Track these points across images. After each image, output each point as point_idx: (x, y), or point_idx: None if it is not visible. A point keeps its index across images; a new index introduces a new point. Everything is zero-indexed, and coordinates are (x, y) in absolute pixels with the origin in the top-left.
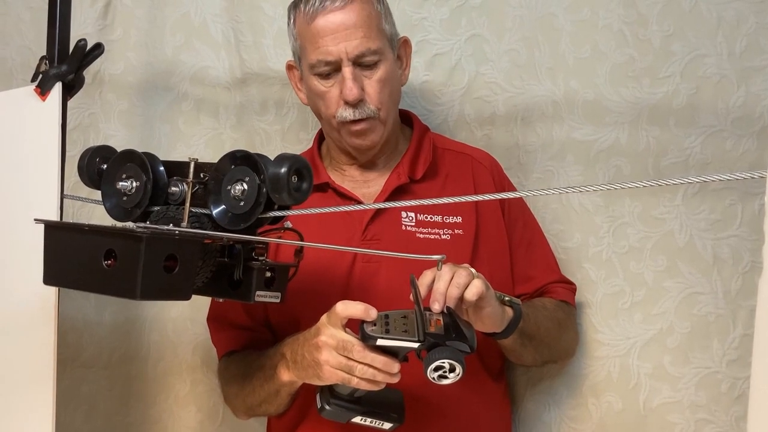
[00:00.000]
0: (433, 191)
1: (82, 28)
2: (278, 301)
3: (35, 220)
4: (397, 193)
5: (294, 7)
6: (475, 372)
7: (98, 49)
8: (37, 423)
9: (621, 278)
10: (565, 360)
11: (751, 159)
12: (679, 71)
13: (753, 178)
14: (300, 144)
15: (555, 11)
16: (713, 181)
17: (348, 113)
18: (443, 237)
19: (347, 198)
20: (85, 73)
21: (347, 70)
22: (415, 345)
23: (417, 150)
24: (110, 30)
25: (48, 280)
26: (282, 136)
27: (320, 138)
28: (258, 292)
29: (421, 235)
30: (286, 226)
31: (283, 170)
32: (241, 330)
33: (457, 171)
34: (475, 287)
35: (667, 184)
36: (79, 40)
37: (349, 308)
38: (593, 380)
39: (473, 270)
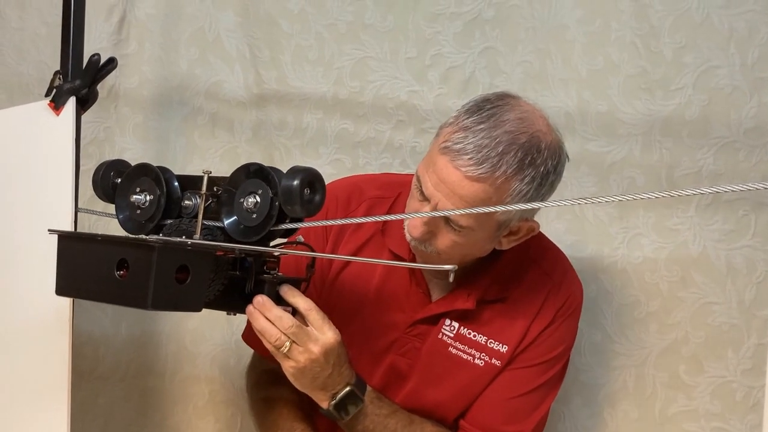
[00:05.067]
0: (490, 311)
1: (97, 43)
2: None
3: (49, 230)
4: (455, 313)
5: (448, 123)
6: None
7: (111, 63)
8: None
9: (636, 288)
10: None
11: (764, 169)
12: (691, 83)
13: (766, 188)
14: (320, 158)
15: (567, 23)
16: (726, 191)
17: (409, 236)
18: (476, 362)
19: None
20: (100, 87)
21: (427, 211)
22: None
23: (503, 274)
24: (125, 44)
25: (60, 290)
26: (302, 151)
27: None
28: None
29: (453, 350)
30: (298, 240)
31: (295, 183)
32: None
33: (527, 293)
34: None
35: (680, 195)
36: (93, 55)
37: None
38: (609, 390)
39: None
